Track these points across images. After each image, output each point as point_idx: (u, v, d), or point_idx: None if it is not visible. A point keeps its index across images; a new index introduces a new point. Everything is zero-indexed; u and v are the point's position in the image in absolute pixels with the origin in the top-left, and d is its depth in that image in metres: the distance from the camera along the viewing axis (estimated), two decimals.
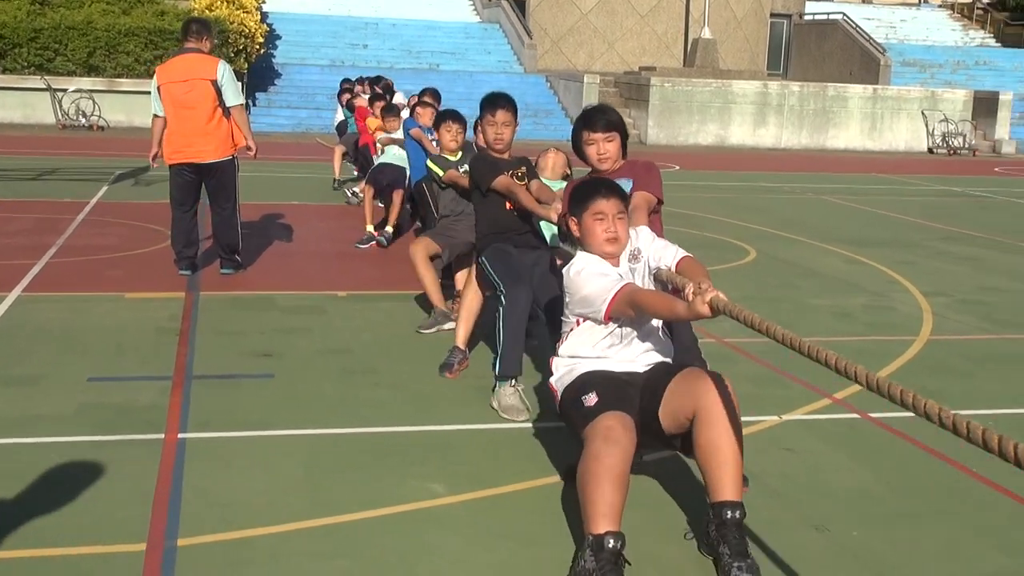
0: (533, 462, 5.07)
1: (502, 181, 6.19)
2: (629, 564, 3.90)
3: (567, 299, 4.50)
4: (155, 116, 8.99)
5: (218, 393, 5.97)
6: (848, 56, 36.00)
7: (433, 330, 7.44)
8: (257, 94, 27.90)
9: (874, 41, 35.64)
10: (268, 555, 4.03)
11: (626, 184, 5.11)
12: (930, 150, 29.68)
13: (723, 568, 3.91)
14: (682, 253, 4.45)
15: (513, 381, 5.77)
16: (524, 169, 6.41)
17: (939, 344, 7.65)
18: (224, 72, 8.79)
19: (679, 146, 27.75)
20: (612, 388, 4.21)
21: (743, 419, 5.72)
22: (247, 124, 9.04)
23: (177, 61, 8.89)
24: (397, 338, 7.32)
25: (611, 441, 3.90)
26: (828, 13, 38.54)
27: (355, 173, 15.69)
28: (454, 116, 8.06)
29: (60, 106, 24.98)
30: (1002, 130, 30.19)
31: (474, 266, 6.65)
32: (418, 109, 10.65)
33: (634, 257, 4.48)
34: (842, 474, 5.11)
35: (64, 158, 18.50)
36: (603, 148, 5.22)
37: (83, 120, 25.06)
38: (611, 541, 3.77)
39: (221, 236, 9.21)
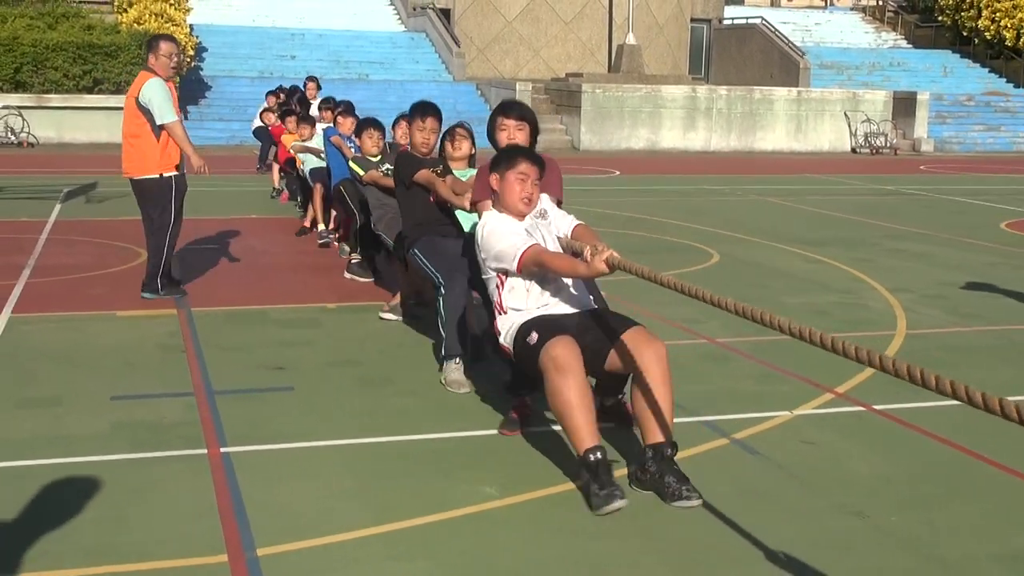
0: (573, 464, 5.25)
1: (423, 174, 7.02)
2: (616, 462, 4.83)
3: (482, 256, 5.14)
4: None
5: (244, 407, 6.07)
6: (768, 59, 36.76)
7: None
8: (189, 107, 27.63)
9: (793, 44, 36.45)
10: (348, 560, 4.17)
11: None
12: (853, 150, 30.49)
13: (671, 494, 4.66)
14: (576, 221, 5.17)
15: (456, 359, 6.45)
16: (441, 168, 7.18)
17: (917, 338, 8.00)
18: (146, 91, 8.55)
19: (612, 151, 28.15)
20: (548, 323, 4.88)
21: (752, 415, 6.06)
22: (184, 139, 8.65)
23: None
24: (402, 348, 7.46)
25: (561, 370, 4.62)
26: (747, 17, 39.32)
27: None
28: (375, 124, 9.38)
29: None
30: (921, 129, 31.12)
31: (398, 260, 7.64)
32: (339, 119, 11.37)
33: (542, 215, 5.17)
34: (862, 463, 5.40)
35: (3, 177, 18.21)
36: (513, 134, 5.75)
37: (12, 137, 24.62)
38: (592, 455, 4.60)
39: (148, 256, 8.95)
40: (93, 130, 25.05)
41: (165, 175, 8.70)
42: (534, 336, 4.83)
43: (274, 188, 16.43)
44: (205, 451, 5.35)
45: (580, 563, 4.19)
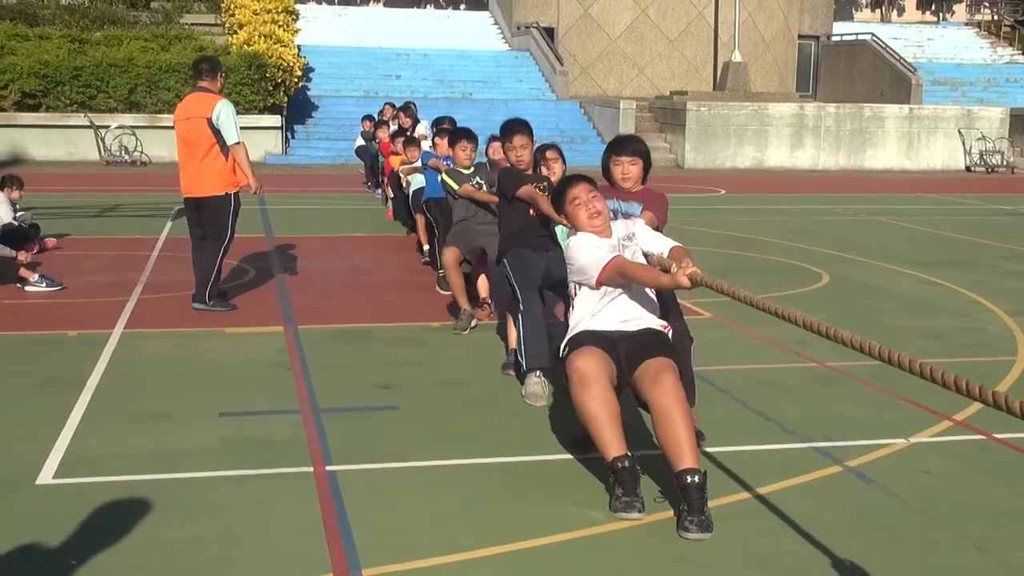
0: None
1: (526, 190, 7.21)
2: (643, 473, 4.95)
3: (568, 269, 5.39)
4: None
5: (350, 426, 6.11)
6: (878, 76, 36.11)
7: (466, 332, 8.45)
8: (296, 127, 28.17)
9: (904, 60, 35.74)
10: None
11: (636, 207, 6.04)
12: (968, 168, 29.73)
13: (681, 523, 4.67)
14: (673, 243, 5.34)
15: (539, 372, 6.64)
16: (545, 184, 7.36)
17: None
18: (220, 112, 8.98)
19: (717, 170, 27.88)
20: (584, 337, 5.14)
21: (866, 443, 5.88)
22: (246, 162, 9.14)
23: (186, 100, 9.35)
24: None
25: (583, 383, 4.89)
26: (856, 33, 38.67)
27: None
28: (467, 135, 9.16)
29: (103, 143, 25.27)
30: None
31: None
32: (436, 139, 11.55)
33: (628, 238, 5.38)
34: (984, 494, 5.21)
35: (118, 195, 18.76)
36: (627, 170, 6.06)
37: (126, 156, 25.33)
38: (619, 463, 4.82)
39: (197, 268, 9.35)
40: None
41: (230, 193, 9.16)
42: (565, 350, 5.20)
43: (387, 198, 16.63)
44: (311, 469, 5.39)
45: None
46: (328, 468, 5.41)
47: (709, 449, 5.71)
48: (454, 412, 6.41)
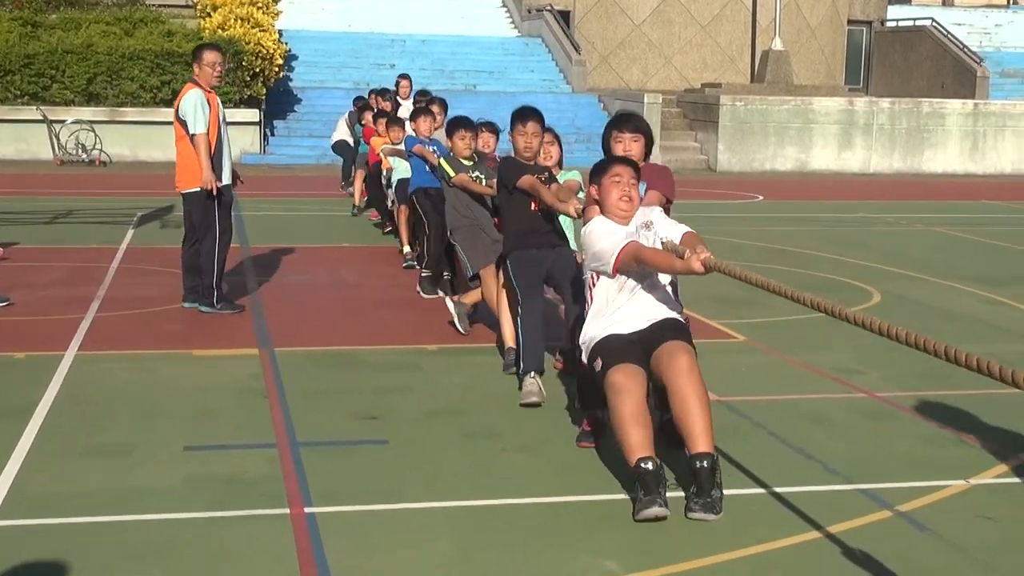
0: (706, 535, 5.19)
1: (527, 180, 7.56)
2: (667, 480, 5.38)
3: (584, 255, 5.98)
4: None
5: (332, 462, 6.14)
6: (939, 67, 36.19)
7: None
8: (275, 122, 28.26)
9: (968, 50, 35.82)
10: None
11: (640, 186, 6.37)
12: None
13: (688, 505, 5.31)
14: (686, 229, 5.82)
15: (533, 373, 7.30)
16: (547, 175, 7.79)
17: None
18: (183, 103, 9.72)
19: (754, 173, 27.94)
20: (614, 349, 5.65)
21: (920, 484, 5.91)
22: (204, 154, 9.68)
23: None
24: (508, 397, 7.45)
25: (620, 392, 5.44)
26: (914, 19, 38.76)
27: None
28: (465, 124, 9.65)
29: (57, 139, 25.37)
30: None
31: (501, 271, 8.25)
32: (411, 123, 12.03)
33: (646, 227, 5.89)
34: None
35: (73, 198, 18.82)
36: (628, 146, 6.57)
37: (83, 155, 25.41)
38: (644, 464, 5.27)
39: (194, 266, 10.01)
40: (171, 147, 25.47)
41: (203, 188, 9.73)
42: (599, 363, 5.65)
43: (354, 206, 17.03)
44: (288, 511, 5.42)
45: None
46: (307, 510, 5.43)
47: (742, 491, 5.73)
48: (450, 447, 6.44)
